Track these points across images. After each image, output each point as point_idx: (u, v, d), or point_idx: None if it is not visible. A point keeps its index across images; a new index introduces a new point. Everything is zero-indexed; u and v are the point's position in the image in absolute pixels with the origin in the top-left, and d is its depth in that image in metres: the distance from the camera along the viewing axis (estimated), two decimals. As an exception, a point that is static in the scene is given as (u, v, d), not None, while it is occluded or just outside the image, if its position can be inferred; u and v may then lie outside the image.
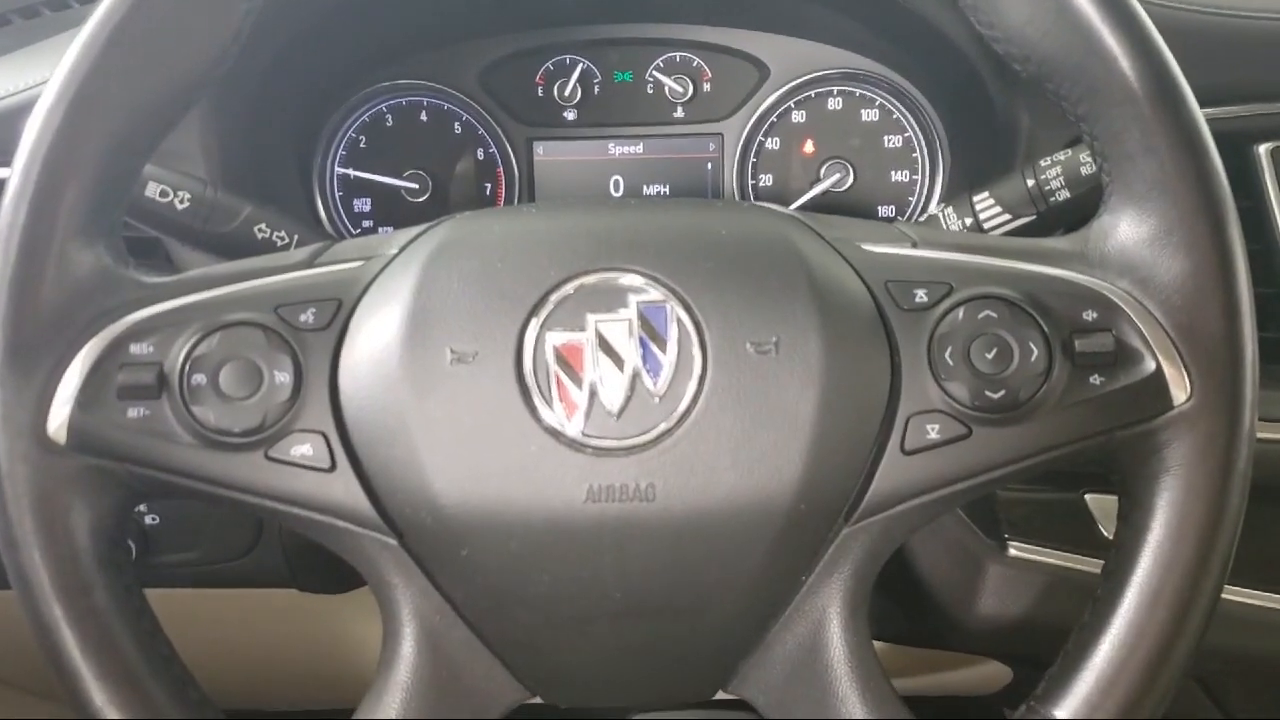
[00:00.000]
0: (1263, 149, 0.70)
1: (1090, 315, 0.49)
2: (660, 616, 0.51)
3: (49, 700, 1.04)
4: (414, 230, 0.54)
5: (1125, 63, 0.48)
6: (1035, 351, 0.48)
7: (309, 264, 0.53)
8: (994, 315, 0.49)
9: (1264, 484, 0.53)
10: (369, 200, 0.86)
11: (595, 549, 0.48)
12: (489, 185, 0.86)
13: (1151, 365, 0.48)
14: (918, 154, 0.84)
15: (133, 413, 0.49)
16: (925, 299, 0.50)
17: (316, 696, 0.85)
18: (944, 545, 0.74)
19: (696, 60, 0.85)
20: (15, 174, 0.49)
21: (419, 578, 0.51)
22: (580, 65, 0.85)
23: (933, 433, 0.49)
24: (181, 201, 0.65)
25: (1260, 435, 0.57)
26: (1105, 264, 0.50)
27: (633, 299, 0.49)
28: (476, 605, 0.51)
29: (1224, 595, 0.50)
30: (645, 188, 0.86)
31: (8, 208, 0.49)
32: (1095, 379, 0.49)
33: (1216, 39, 0.71)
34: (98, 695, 0.49)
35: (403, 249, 0.53)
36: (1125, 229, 0.50)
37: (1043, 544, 0.71)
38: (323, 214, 0.85)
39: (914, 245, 0.52)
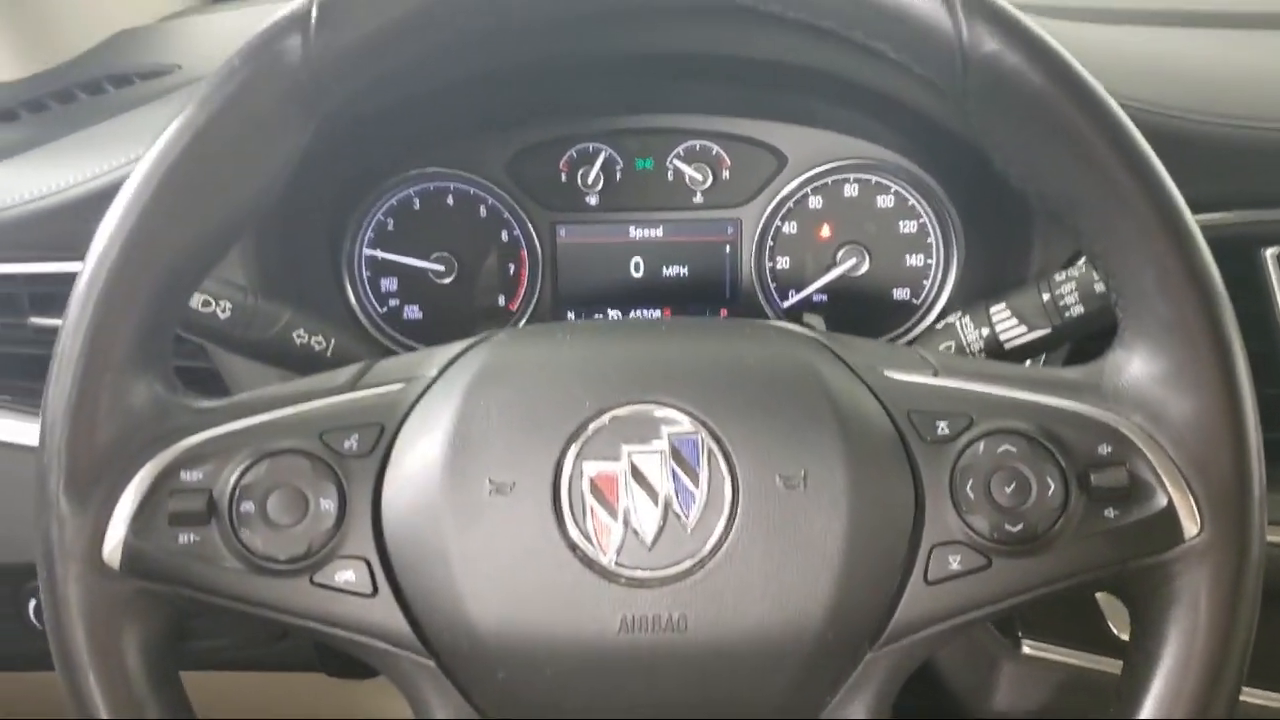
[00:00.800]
0: (1269, 253, 0.73)
1: (1105, 449, 0.51)
2: None
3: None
4: (451, 350, 0.56)
5: (1142, 208, 0.50)
6: (1052, 486, 0.50)
7: (351, 387, 0.55)
8: (1013, 450, 0.51)
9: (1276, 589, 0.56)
10: (395, 280, 0.88)
11: (628, 677, 0.50)
12: (512, 266, 0.88)
13: (1164, 500, 0.50)
14: (932, 239, 0.85)
15: (183, 538, 0.51)
16: (947, 431, 0.52)
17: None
18: (961, 644, 0.76)
19: (715, 149, 0.87)
20: (72, 308, 0.51)
21: (455, 697, 0.52)
22: (603, 153, 0.87)
23: (954, 563, 0.50)
24: (224, 311, 0.67)
25: (1271, 539, 0.59)
26: (1119, 398, 0.52)
27: (665, 430, 0.51)
28: None
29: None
30: (665, 269, 0.88)
31: (65, 342, 0.51)
32: (1110, 512, 0.51)
33: (1226, 148, 0.74)
34: None
35: (441, 371, 0.54)
36: (1138, 365, 0.52)
37: (1056, 642, 0.73)
38: (350, 295, 0.87)
39: (935, 373, 0.54)
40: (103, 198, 0.72)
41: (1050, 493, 0.50)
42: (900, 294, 0.86)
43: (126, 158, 0.75)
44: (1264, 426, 0.67)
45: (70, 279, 0.72)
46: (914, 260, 0.86)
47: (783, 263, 0.87)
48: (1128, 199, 0.50)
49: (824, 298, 0.87)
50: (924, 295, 0.86)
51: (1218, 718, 0.50)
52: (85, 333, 0.51)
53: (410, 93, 0.78)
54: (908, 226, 0.86)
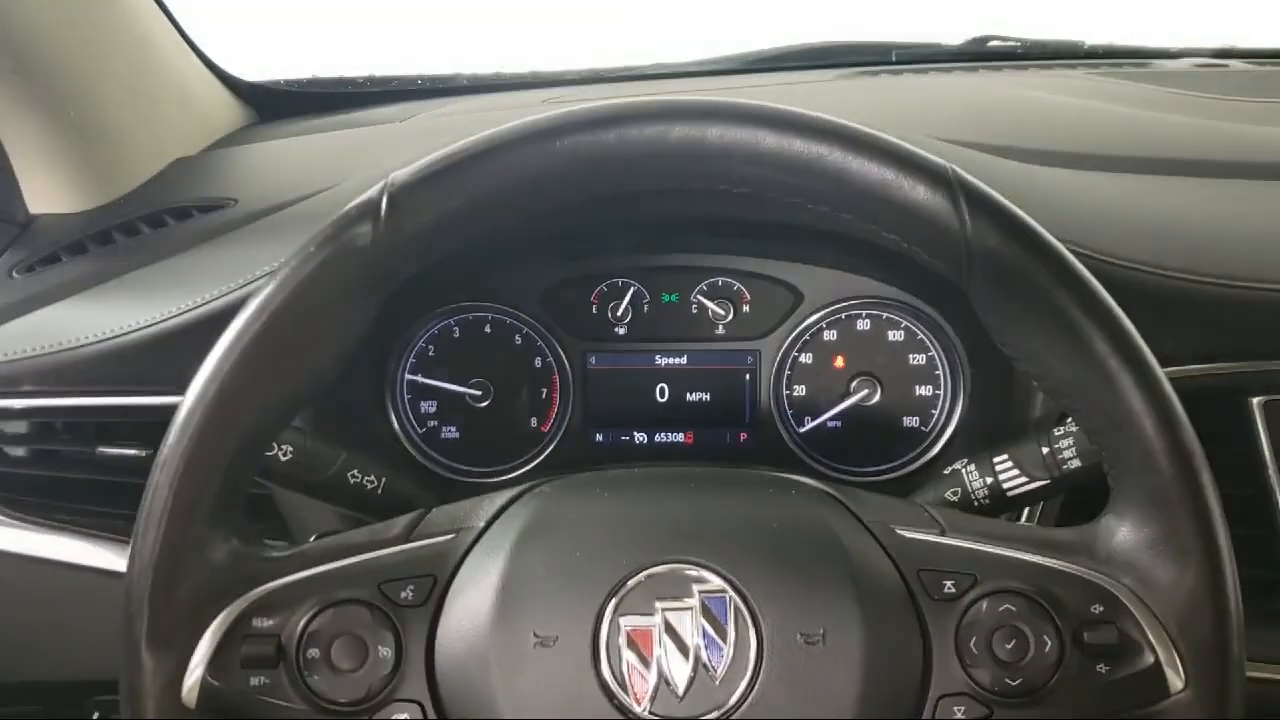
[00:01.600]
0: (1255, 401, 0.77)
1: (1097, 609, 0.55)
2: None
3: None
4: (498, 502, 0.61)
5: (1131, 396, 0.55)
6: (1049, 643, 0.55)
7: (406, 538, 0.60)
8: (1013, 608, 0.55)
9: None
10: (435, 403, 0.92)
11: None
12: (545, 391, 0.92)
13: (1151, 658, 0.54)
14: (940, 371, 0.90)
15: (254, 680, 0.56)
16: (953, 590, 0.56)
17: None
18: None
19: (737, 285, 0.92)
20: (156, 469, 0.56)
21: None
22: (632, 288, 0.92)
23: (959, 713, 0.55)
24: (285, 454, 0.72)
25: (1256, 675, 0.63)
26: (1110, 561, 0.56)
27: (695, 589, 0.55)
28: None
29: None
30: (688, 395, 0.92)
31: (151, 500, 0.56)
32: (1101, 668, 0.55)
33: (1220, 306, 0.78)
34: None
35: (489, 523, 0.59)
36: (1127, 532, 0.56)
37: None
38: (393, 417, 0.91)
39: (942, 532, 0.59)
40: (169, 339, 0.78)
41: (1047, 649, 0.54)
42: (910, 422, 0.91)
43: (191, 302, 0.81)
44: (1254, 565, 0.71)
45: (139, 411, 0.78)
46: (923, 390, 0.91)
47: (799, 391, 0.92)
48: (1118, 389, 0.56)
49: (838, 424, 0.91)
50: (932, 424, 0.90)
51: None
52: (171, 492, 0.56)
53: None
54: (917, 359, 0.91)
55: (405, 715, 0.55)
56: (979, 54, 1.38)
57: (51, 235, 0.97)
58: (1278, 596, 0.74)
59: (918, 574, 0.57)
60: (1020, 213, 0.57)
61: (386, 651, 0.56)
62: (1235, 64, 1.31)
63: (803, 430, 0.92)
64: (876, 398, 0.91)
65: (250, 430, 0.58)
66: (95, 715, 0.84)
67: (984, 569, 0.57)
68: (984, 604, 0.55)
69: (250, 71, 1.27)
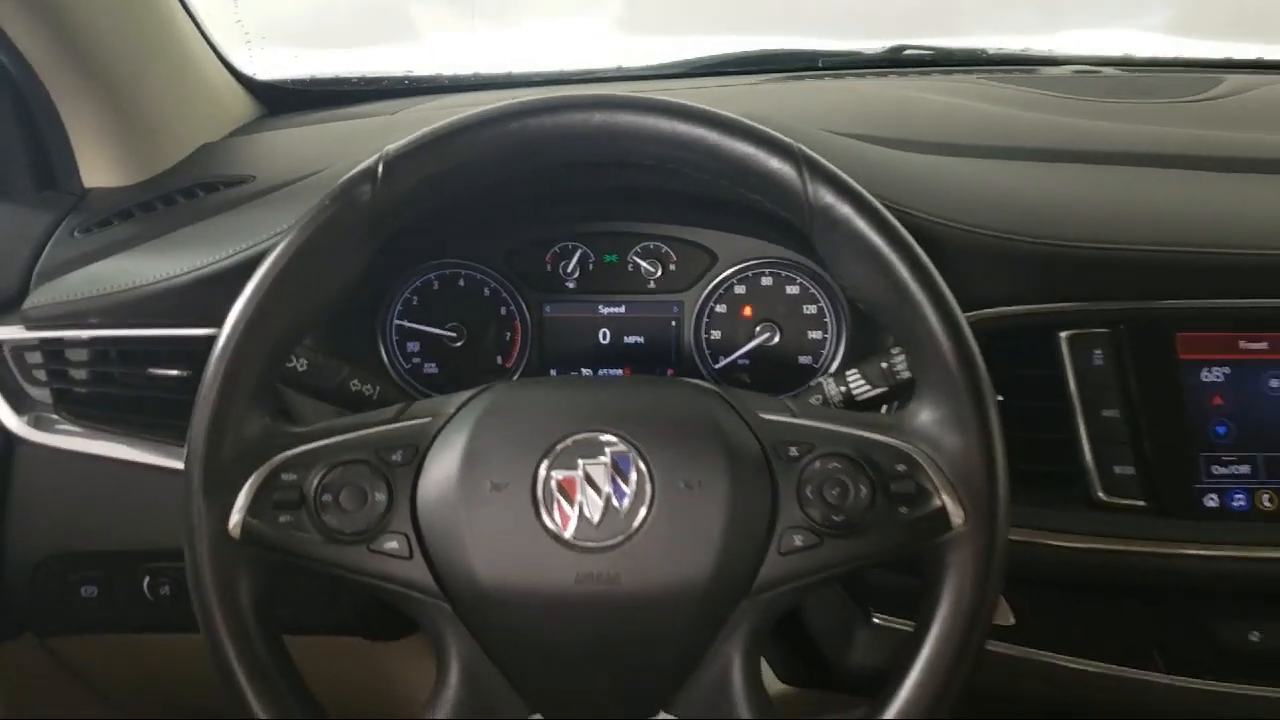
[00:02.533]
0: (1063, 335, 0.91)
1: (901, 468, 0.72)
2: (622, 659, 0.74)
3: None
4: (464, 396, 0.77)
5: (927, 313, 0.72)
6: (865, 491, 0.71)
7: (396, 420, 0.76)
8: (839, 467, 0.72)
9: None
10: (418, 344, 1.07)
11: (581, 615, 0.71)
12: (508, 334, 1.08)
13: (939, 502, 0.71)
14: (828, 319, 1.05)
15: (282, 519, 0.72)
16: (796, 454, 0.73)
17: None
18: (831, 614, 0.97)
19: (664, 248, 1.07)
20: (209, 368, 0.73)
21: (464, 632, 0.73)
22: (579, 250, 1.07)
23: (798, 541, 0.72)
24: (302, 366, 0.88)
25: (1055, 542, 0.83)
26: (913, 434, 0.74)
27: (608, 450, 0.72)
28: (502, 651, 0.74)
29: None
30: (625, 338, 1.07)
31: (204, 390, 0.72)
32: (903, 509, 0.72)
33: (1033, 259, 0.93)
34: (254, 703, 0.73)
35: (458, 410, 0.76)
36: (925, 413, 0.74)
37: (891, 613, 0.96)
38: (384, 354, 1.07)
39: (793, 415, 0.77)
40: (210, 282, 0.95)
41: (863, 496, 0.71)
42: (804, 359, 1.06)
43: (227, 252, 0.95)
44: (1059, 461, 0.90)
45: (181, 342, 0.95)
46: (814, 334, 1.06)
47: (715, 334, 1.07)
48: (917, 309, 0.73)
49: (746, 361, 1.07)
50: (821, 360, 1.05)
51: (978, 643, 0.71)
52: (219, 385, 0.72)
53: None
54: (809, 309, 1.06)
55: (394, 543, 0.72)
56: (895, 61, 1.53)
57: (103, 204, 1.11)
58: (1076, 484, 0.90)
59: (772, 443, 0.74)
60: (848, 179, 0.75)
61: (381, 497, 0.72)
62: (1108, 70, 1.46)
63: (718, 366, 1.07)
64: (776, 340, 1.06)
65: (275, 340, 0.74)
66: (146, 579, 1.00)
67: (820, 439, 0.74)
68: (818, 464, 0.72)
69: (261, 71, 1.41)
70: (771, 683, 1.07)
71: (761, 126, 0.75)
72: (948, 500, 0.72)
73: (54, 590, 1.03)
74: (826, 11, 1.98)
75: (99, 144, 1.13)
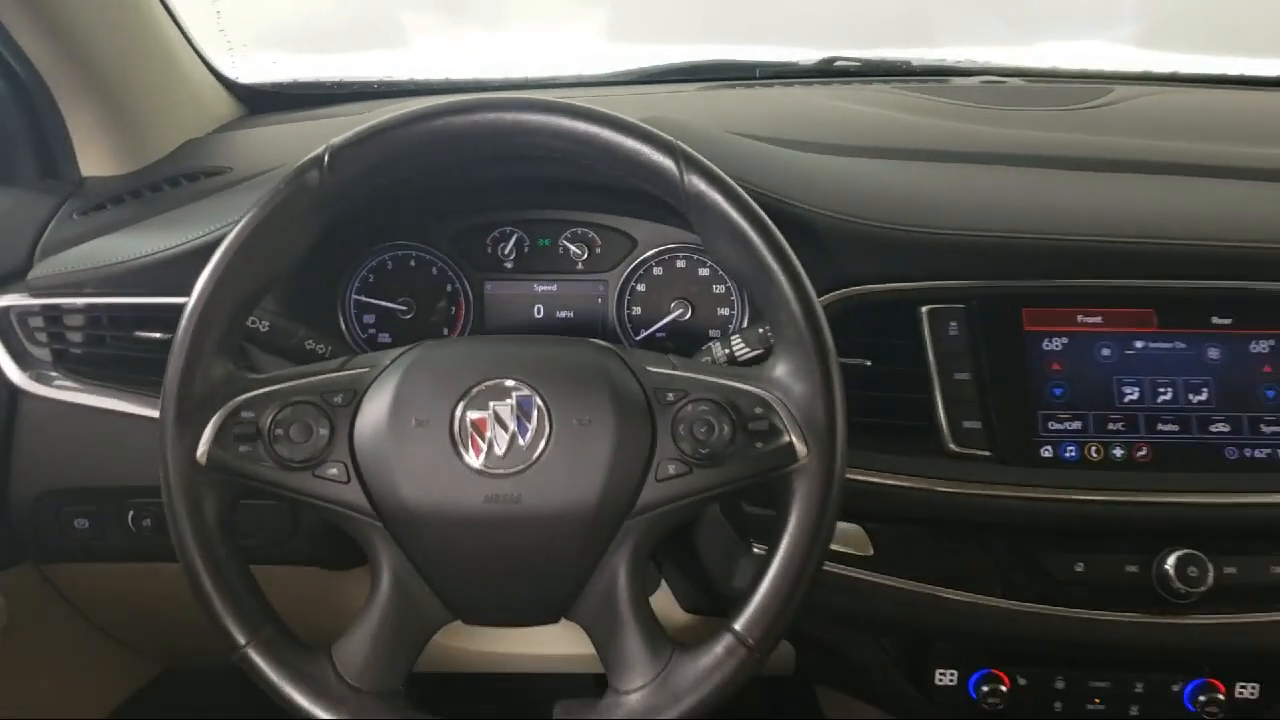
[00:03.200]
0: (923, 309, 1.03)
1: (758, 410, 0.85)
2: (526, 570, 0.86)
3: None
4: (397, 351, 0.90)
5: (783, 284, 0.84)
6: (727, 429, 0.83)
7: (339, 369, 0.89)
8: (707, 409, 0.85)
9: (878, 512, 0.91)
10: (374, 316, 1.20)
11: (489, 530, 0.84)
12: (453, 309, 1.20)
13: (788, 439, 0.84)
14: (734, 297, 1.17)
15: (242, 449, 0.84)
16: (673, 399, 0.86)
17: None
18: (720, 547, 1.11)
19: (591, 233, 1.18)
20: (181, 324, 0.84)
21: (393, 546, 0.86)
22: (516, 234, 1.19)
23: (671, 470, 0.84)
24: (264, 326, 1.02)
25: (903, 483, 0.96)
26: (768, 383, 0.87)
27: (514, 394, 0.85)
28: (425, 563, 0.86)
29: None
30: (557, 313, 1.19)
31: (177, 341, 0.85)
32: (758, 444, 0.84)
33: (899, 244, 1.05)
34: (217, 602, 0.86)
35: (392, 362, 0.90)
36: (780, 366, 0.87)
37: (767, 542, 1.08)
38: (343, 326, 1.19)
39: (674, 368, 0.90)
40: (188, 258, 1.08)
41: (725, 433, 0.84)
42: (713, 332, 1.17)
43: (201, 232, 1.07)
44: (916, 418, 1.03)
45: (163, 309, 1.08)
46: (722, 311, 1.17)
47: (635, 310, 1.19)
48: (774, 280, 0.85)
49: (663, 334, 1.18)
50: (728, 332, 1.17)
51: (819, 557, 0.83)
52: (189, 335, 0.85)
53: (388, 196, 1.16)
54: (718, 288, 1.17)
55: (335, 470, 0.85)
56: (825, 71, 1.63)
57: (98, 191, 1.24)
58: (932, 438, 1.02)
59: (653, 390, 0.87)
60: (719, 171, 0.87)
61: (324, 432, 0.85)
62: (1013, 80, 1.56)
63: (639, 338, 1.19)
64: (689, 315, 1.18)
65: (237, 300, 0.87)
66: (130, 513, 1.12)
67: (692, 387, 0.87)
68: (690, 407, 0.85)
69: (244, 75, 1.54)
70: (676, 612, 1.21)
71: (646, 125, 0.88)
72: (794, 437, 0.84)
73: (50, 522, 1.16)
74: (785, 24, 2.09)
75: (95, 138, 1.26)
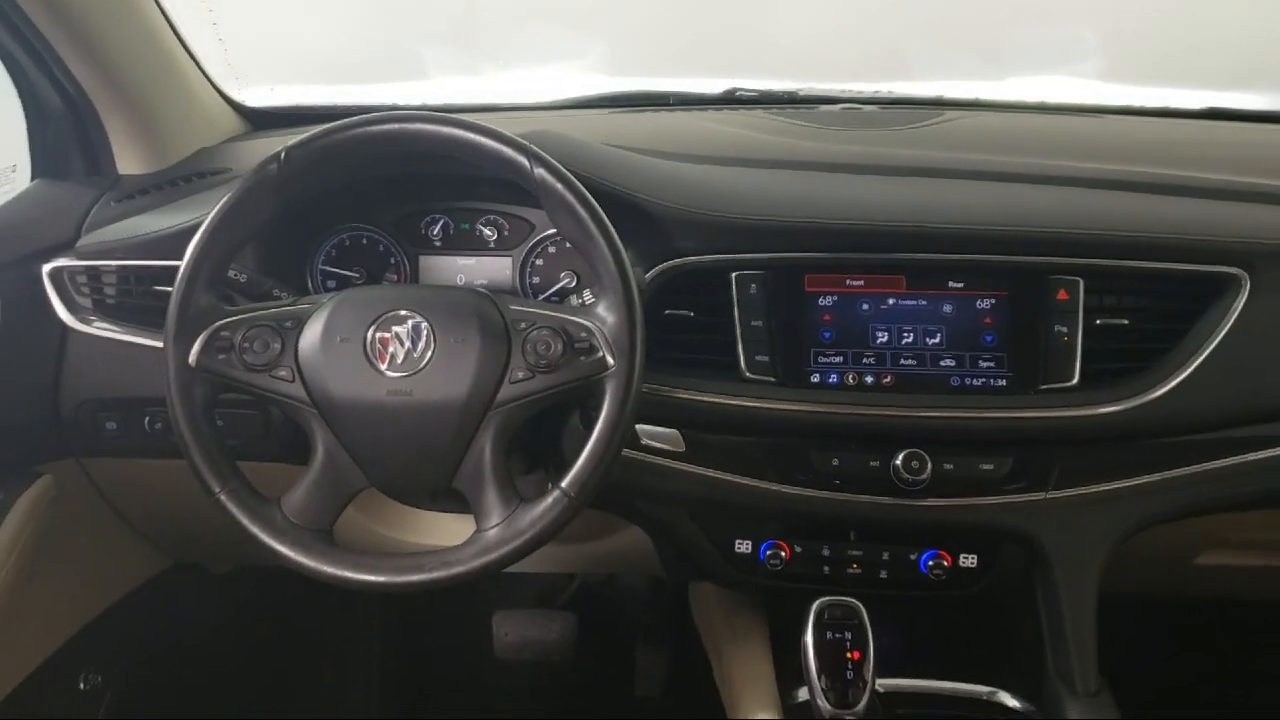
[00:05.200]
0: (734, 275, 1.27)
1: (583, 334, 1.15)
2: (419, 447, 1.17)
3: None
4: (330, 294, 1.24)
5: (602, 246, 1.14)
6: (560, 347, 1.12)
7: (291, 305, 1.23)
8: (547, 333, 1.15)
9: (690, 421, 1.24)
10: (335, 282, 1.48)
11: (391, 415, 1.12)
12: (395, 277, 1.46)
13: (602, 353, 1.14)
14: None
15: (220, 356, 1.15)
16: (524, 326, 1.17)
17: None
18: (573, 441, 1.44)
19: (500, 219, 1.42)
20: (180, 269, 1.18)
21: (325, 427, 1.15)
22: (442, 219, 1.44)
23: (520, 375, 1.14)
24: (242, 278, 1.35)
25: (679, 395, 1.29)
26: (592, 316, 1.16)
27: (409, 320, 1.18)
28: (348, 441, 1.16)
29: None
30: (474, 282, 1.44)
31: (177, 282, 1.17)
32: (582, 358, 1.12)
33: (716, 226, 1.29)
34: (203, 468, 1.20)
35: (327, 300, 1.23)
36: (600, 305, 1.17)
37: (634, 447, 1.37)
38: (311, 288, 1.49)
39: (528, 307, 1.22)
40: (191, 232, 1.38)
41: (558, 349, 1.14)
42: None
43: (201, 213, 1.32)
44: (717, 353, 1.34)
45: (173, 270, 1.41)
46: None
47: (535, 279, 1.45)
48: (595, 243, 1.15)
49: (556, 298, 1.43)
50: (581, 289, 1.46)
51: (621, 440, 1.14)
52: (184, 278, 1.18)
53: (344, 186, 1.50)
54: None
55: (284, 372, 1.16)
56: (727, 100, 1.88)
57: (129, 185, 1.54)
58: (734, 368, 1.31)
59: (510, 320, 1.16)
60: (558, 164, 1.16)
61: (277, 346, 1.16)
62: (868, 107, 1.79)
63: (537, 300, 1.53)
64: (574, 283, 1.44)
65: (219, 253, 1.19)
66: (146, 418, 1.41)
67: (539, 319, 1.17)
68: (535, 332, 1.15)
69: (251, 100, 1.87)
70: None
71: (505, 131, 1.19)
72: (607, 352, 1.13)
73: (88, 424, 1.46)
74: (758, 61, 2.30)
75: (129, 146, 1.56)
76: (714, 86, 2.01)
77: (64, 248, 1.44)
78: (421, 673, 2.22)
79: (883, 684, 1.33)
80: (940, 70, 2.18)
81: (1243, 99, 1.98)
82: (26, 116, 1.51)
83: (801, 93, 1.99)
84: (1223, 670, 2.20)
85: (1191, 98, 2.00)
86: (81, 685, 1.63)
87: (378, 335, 1.17)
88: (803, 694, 1.29)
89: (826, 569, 1.39)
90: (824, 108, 1.89)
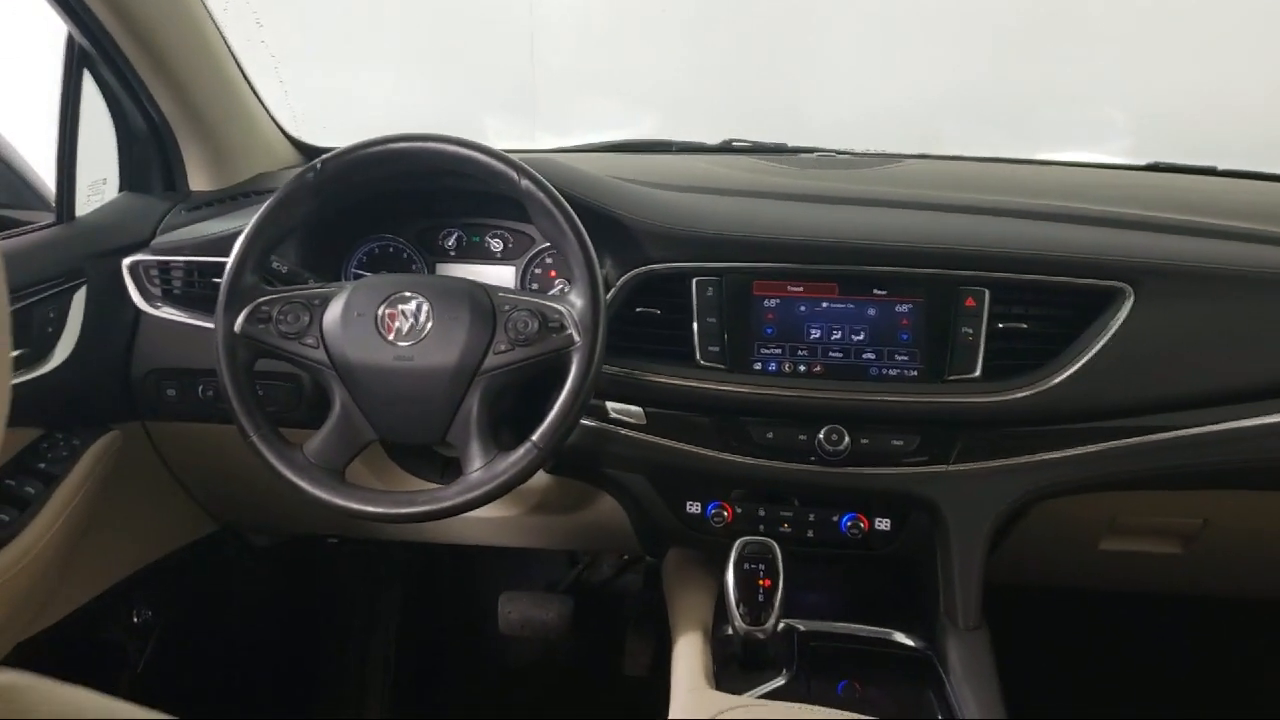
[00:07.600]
0: (694, 280, 1.44)
1: (555, 316, 1.38)
2: (418, 404, 1.39)
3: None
4: (350, 282, 1.49)
5: (576, 250, 1.36)
6: (536, 325, 1.35)
7: (319, 288, 1.47)
8: (526, 315, 1.37)
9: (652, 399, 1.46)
10: None
11: (396, 377, 1.36)
12: None
13: (570, 331, 1.37)
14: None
15: (260, 326, 1.39)
16: (509, 309, 1.40)
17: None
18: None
19: (506, 233, 1.62)
20: (231, 256, 1.42)
21: (341, 386, 1.39)
22: (456, 232, 1.64)
23: (502, 347, 1.36)
24: (284, 269, 1.60)
25: (645, 378, 1.50)
26: (563, 300, 1.41)
27: (413, 302, 1.41)
28: (361, 399, 1.40)
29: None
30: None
31: (229, 264, 1.43)
32: (554, 334, 1.37)
33: (681, 240, 1.46)
34: (241, 416, 1.43)
35: (350, 285, 1.49)
36: (572, 291, 1.40)
37: (596, 416, 1.59)
38: None
39: (514, 294, 1.47)
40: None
41: (536, 326, 1.36)
42: None
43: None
44: (677, 344, 1.56)
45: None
46: None
47: (533, 286, 1.70)
48: (570, 242, 1.38)
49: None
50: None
51: (582, 406, 1.36)
52: (235, 261, 1.43)
53: (374, 199, 1.74)
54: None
55: (311, 340, 1.39)
56: (723, 148, 2.07)
57: (198, 198, 1.80)
58: (690, 356, 1.50)
59: (497, 304, 1.43)
60: (542, 178, 1.41)
61: (306, 319, 1.39)
62: (841, 155, 1.96)
63: None
64: (565, 289, 1.75)
65: (264, 244, 1.42)
66: (200, 387, 1.61)
67: (521, 304, 1.40)
68: (516, 314, 1.38)
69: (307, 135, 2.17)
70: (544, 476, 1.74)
71: (500, 150, 1.44)
72: (574, 330, 1.33)
73: (152, 391, 1.71)
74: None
75: (200, 166, 1.78)
76: (714, 137, 2.24)
77: (141, 246, 1.66)
78: (433, 647, 2.42)
79: (794, 622, 1.51)
80: (918, 138, 2.39)
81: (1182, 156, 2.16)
82: (117, 138, 1.72)
83: (790, 145, 2.21)
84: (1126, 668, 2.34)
85: (1137, 153, 2.20)
86: (135, 619, 1.85)
87: (387, 312, 1.40)
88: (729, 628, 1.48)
89: (762, 527, 1.58)
90: (803, 155, 2.11)
